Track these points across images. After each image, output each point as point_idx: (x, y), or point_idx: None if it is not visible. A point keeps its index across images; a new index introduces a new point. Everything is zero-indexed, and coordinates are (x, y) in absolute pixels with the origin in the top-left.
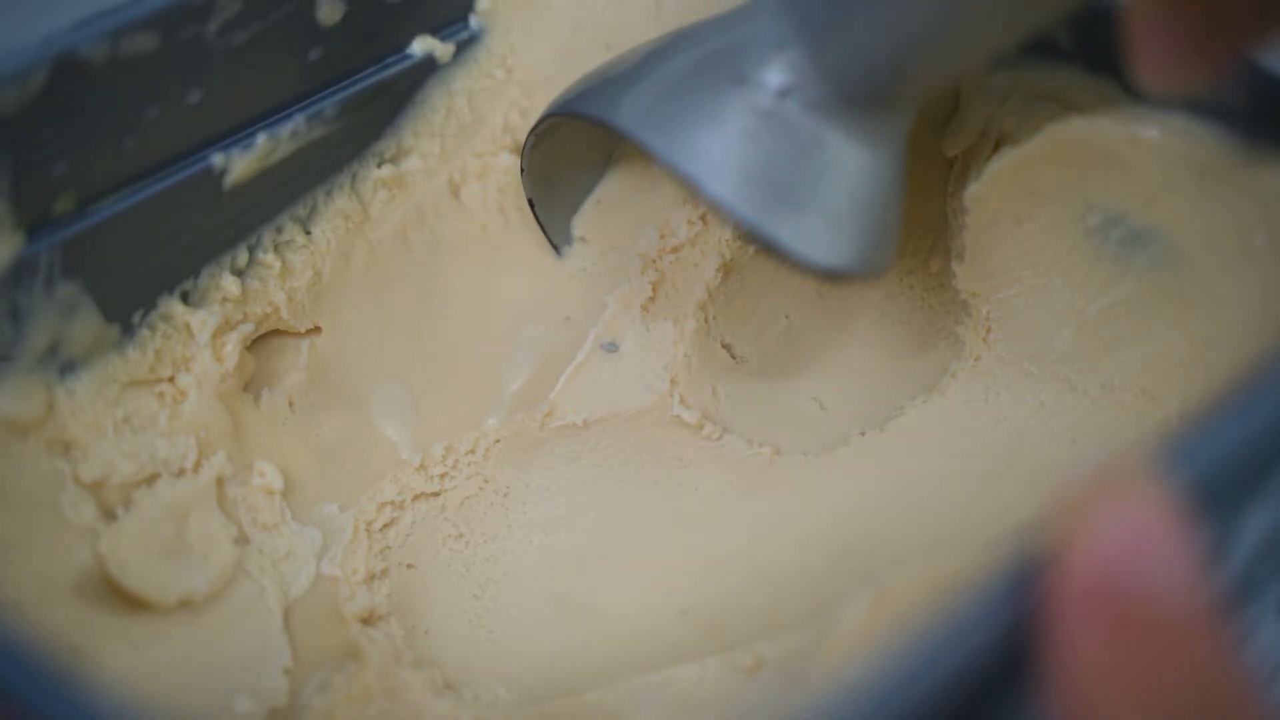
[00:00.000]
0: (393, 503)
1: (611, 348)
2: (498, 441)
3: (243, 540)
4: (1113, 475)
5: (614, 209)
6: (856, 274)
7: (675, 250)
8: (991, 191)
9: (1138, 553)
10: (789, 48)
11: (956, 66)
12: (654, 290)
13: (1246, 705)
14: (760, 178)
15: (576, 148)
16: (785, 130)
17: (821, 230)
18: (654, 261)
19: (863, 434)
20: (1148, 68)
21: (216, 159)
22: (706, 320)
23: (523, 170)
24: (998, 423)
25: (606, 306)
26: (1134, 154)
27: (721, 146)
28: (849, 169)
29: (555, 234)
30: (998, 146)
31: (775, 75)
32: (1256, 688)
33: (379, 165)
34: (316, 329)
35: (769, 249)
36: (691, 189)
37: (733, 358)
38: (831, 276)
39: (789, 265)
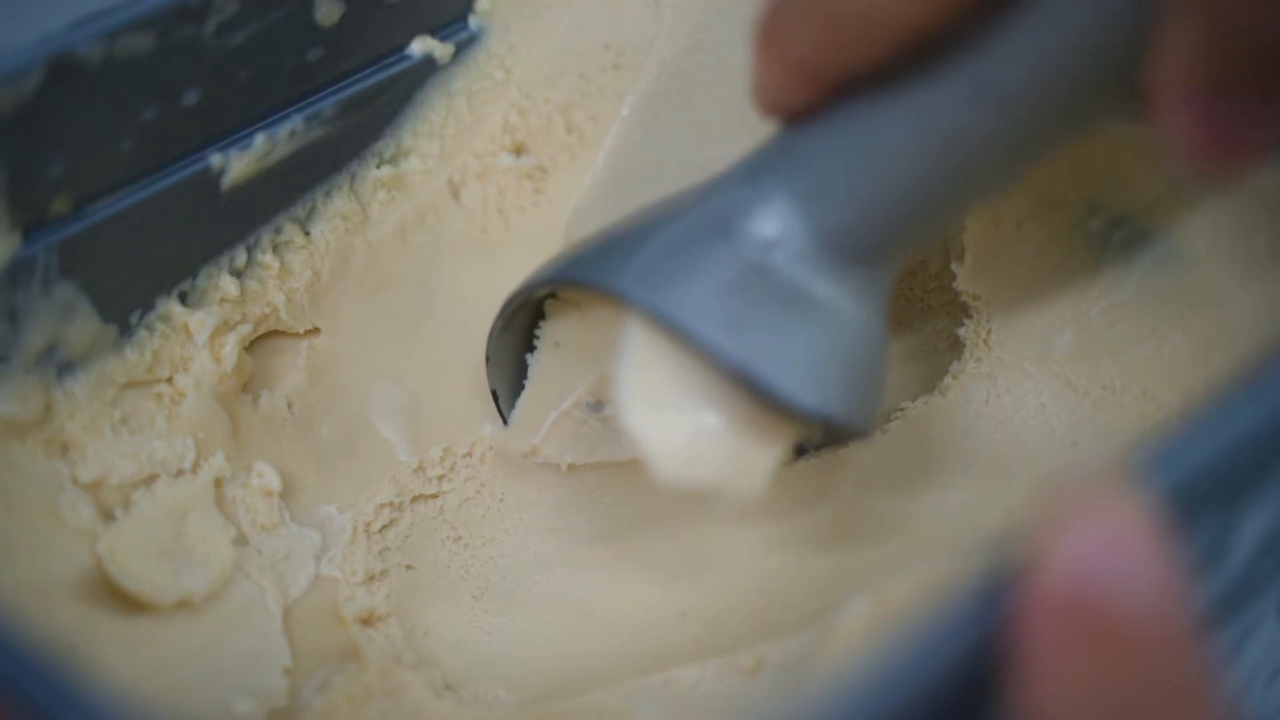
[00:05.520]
0: (391, 504)
1: (597, 408)
2: (493, 447)
3: (241, 541)
4: (1088, 484)
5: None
6: (844, 423)
7: None
8: None
9: (1108, 565)
10: (775, 199)
11: (950, 217)
12: None
13: None
14: (747, 326)
15: (522, 330)
16: (771, 282)
17: (809, 378)
18: None
19: None
20: (1189, 150)
21: (214, 159)
22: None
23: (488, 359)
24: (999, 424)
25: (592, 374)
26: (1136, 156)
27: (707, 296)
28: (835, 324)
29: (507, 412)
30: None
31: (761, 226)
32: (1224, 705)
33: (378, 166)
34: (315, 330)
35: (757, 392)
36: (679, 334)
37: None
38: (820, 421)
39: (777, 409)
